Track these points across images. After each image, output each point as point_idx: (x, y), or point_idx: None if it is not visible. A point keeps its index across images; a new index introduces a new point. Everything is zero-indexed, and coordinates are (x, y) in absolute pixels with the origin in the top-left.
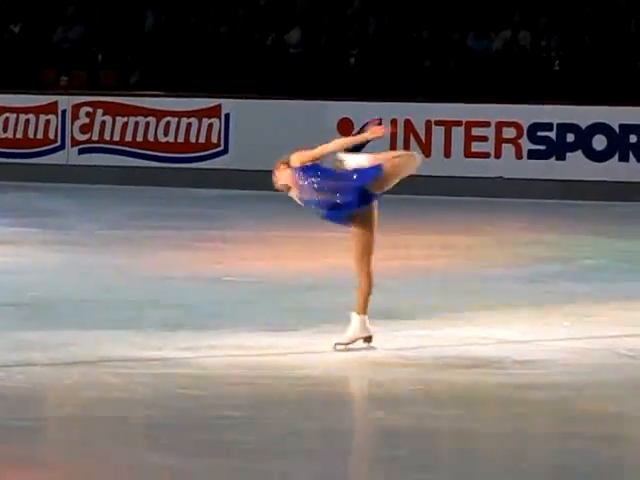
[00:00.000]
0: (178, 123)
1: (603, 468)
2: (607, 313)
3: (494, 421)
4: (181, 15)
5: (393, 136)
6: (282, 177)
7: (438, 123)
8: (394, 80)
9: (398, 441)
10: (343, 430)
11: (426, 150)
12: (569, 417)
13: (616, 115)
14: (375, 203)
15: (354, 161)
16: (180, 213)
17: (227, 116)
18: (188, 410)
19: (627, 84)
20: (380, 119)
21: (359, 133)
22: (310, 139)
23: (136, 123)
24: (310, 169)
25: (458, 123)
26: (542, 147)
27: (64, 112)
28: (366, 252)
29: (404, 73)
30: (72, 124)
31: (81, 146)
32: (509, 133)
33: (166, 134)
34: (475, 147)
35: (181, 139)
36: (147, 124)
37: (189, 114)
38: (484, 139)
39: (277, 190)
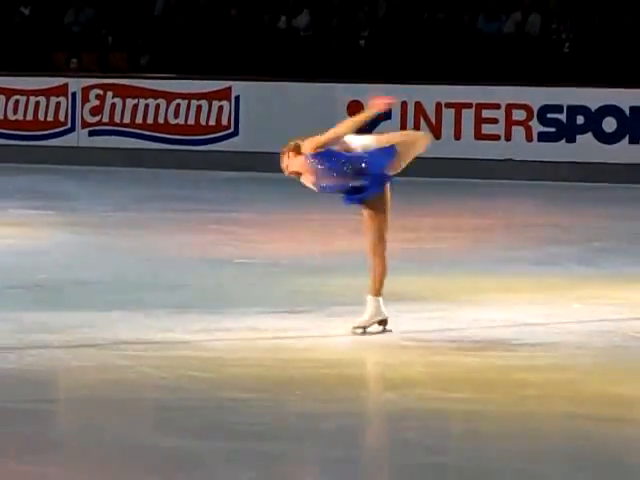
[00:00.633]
0: (188, 105)
1: (613, 449)
2: (618, 295)
3: (504, 403)
4: None
5: (402, 115)
6: (293, 164)
7: (448, 105)
8: (404, 62)
9: (409, 423)
10: (354, 412)
11: (436, 132)
12: (579, 399)
13: (626, 97)
14: (388, 185)
15: (360, 143)
16: (190, 195)
17: (237, 98)
18: (199, 392)
19: (637, 66)
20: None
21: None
22: (320, 121)
23: (146, 105)
24: (324, 154)
25: (468, 105)
26: (552, 129)
27: (74, 94)
28: (381, 235)
29: (414, 55)
30: (82, 106)
31: (91, 128)
32: (519, 115)
33: (176, 116)
34: (485, 129)
35: (191, 121)
36: (157, 106)
37: (199, 96)
38: (494, 121)
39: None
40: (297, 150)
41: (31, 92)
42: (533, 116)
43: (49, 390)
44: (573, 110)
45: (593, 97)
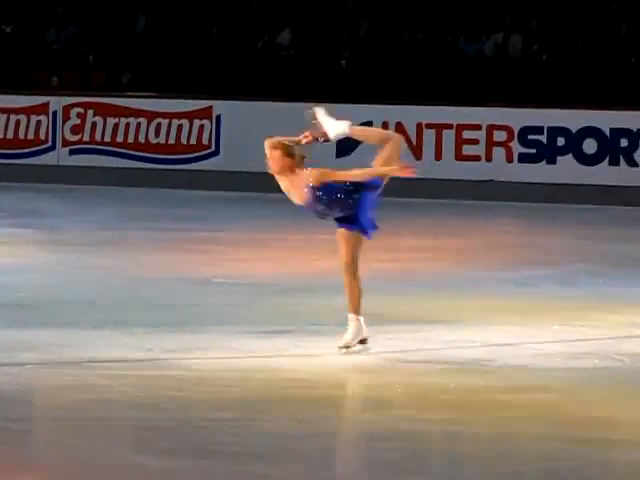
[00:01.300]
0: (169, 124)
1: (592, 472)
2: (596, 317)
3: (484, 424)
4: (172, 16)
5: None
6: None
7: (429, 126)
8: (385, 82)
9: (389, 444)
10: (333, 433)
11: (417, 153)
12: (558, 420)
13: (607, 119)
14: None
15: (332, 127)
16: (171, 214)
17: (218, 118)
18: (177, 412)
19: (618, 88)
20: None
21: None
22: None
23: (127, 124)
24: (324, 189)
25: (449, 126)
26: (533, 150)
27: (55, 113)
28: (356, 254)
29: (395, 75)
30: (63, 125)
31: (72, 147)
32: (500, 136)
33: (157, 135)
34: (466, 150)
35: (172, 140)
36: (138, 125)
37: (180, 115)
38: (475, 142)
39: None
40: (284, 150)
41: (12, 110)
42: (514, 137)
43: (27, 408)
44: (554, 131)
45: (574, 119)
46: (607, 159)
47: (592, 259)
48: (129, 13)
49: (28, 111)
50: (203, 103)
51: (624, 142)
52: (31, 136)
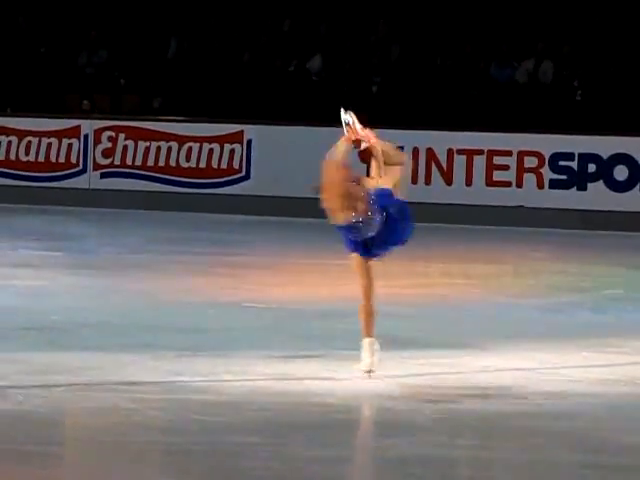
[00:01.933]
0: (200, 148)
1: None
2: (626, 344)
3: (511, 451)
4: (204, 41)
5: (414, 161)
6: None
7: (460, 152)
8: (416, 108)
9: (414, 470)
10: (363, 457)
11: (448, 178)
12: (586, 448)
13: (638, 146)
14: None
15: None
16: (201, 238)
17: (249, 142)
18: (205, 436)
19: None
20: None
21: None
22: None
23: (158, 148)
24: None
25: (480, 152)
26: (563, 177)
27: (86, 136)
28: (373, 277)
29: (426, 101)
30: (94, 148)
31: (103, 170)
32: (531, 162)
33: (188, 159)
34: (497, 176)
35: (203, 164)
36: (169, 149)
37: (211, 140)
38: (506, 168)
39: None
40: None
41: (43, 133)
42: (544, 163)
43: (56, 432)
44: (584, 158)
45: (605, 145)
46: (638, 186)
47: (623, 286)
48: (161, 37)
49: (59, 134)
50: (234, 127)
51: None
52: (62, 159)
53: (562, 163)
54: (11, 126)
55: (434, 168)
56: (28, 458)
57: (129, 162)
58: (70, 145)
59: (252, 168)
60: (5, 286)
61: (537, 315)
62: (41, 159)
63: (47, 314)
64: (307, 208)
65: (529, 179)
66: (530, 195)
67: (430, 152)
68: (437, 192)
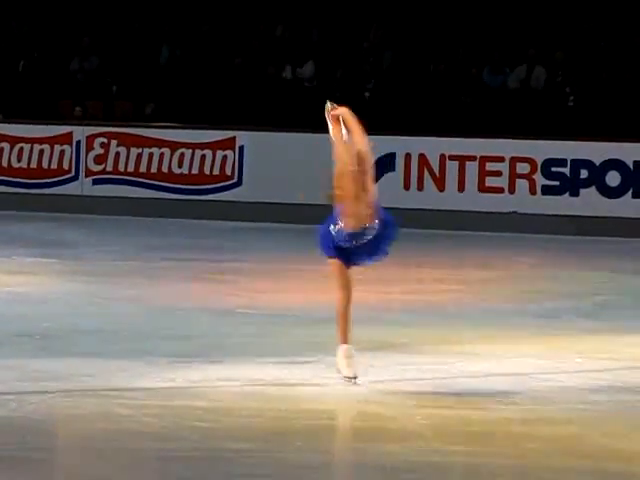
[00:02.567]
0: (192, 155)
1: None
2: (620, 350)
3: (506, 456)
4: (196, 47)
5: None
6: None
7: (452, 158)
8: (409, 114)
9: (409, 476)
10: (355, 464)
11: (440, 185)
12: (580, 453)
13: (630, 151)
14: None
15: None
16: (193, 245)
17: (241, 148)
18: (199, 442)
19: None
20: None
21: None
22: (323, 173)
23: (150, 154)
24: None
25: (472, 158)
26: (556, 183)
27: (79, 143)
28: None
29: (419, 107)
30: (86, 155)
31: (95, 177)
32: (523, 168)
33: (180, 166)
34: (489, 182)
35: (195, 171)
36: (161, 155)
37: (203, 146)
38: (498, 174)
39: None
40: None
41: (35, 140)
42: (537, 169)
43: (49, 438)
44: (577, 164)
45: (597, 151)
46: (630, 192)
47: (615, 291)
48: (153, 44)
49: (52, 141)
50: (226, 134)
51: None
52: (54, 166)
53: (554, 169)
54: (3, 132)
55: (426, 174)
56: (22, 465)
57: (121, 168)
58: (62, 152)
59: (244, 174)
60: None
61: (530, 320)
62: (33, 165)
63: (40, 321)
64: (300, 214)
65: (521, 185)
66: (523, 201)
67: (422, 158)
68: (429, 198)
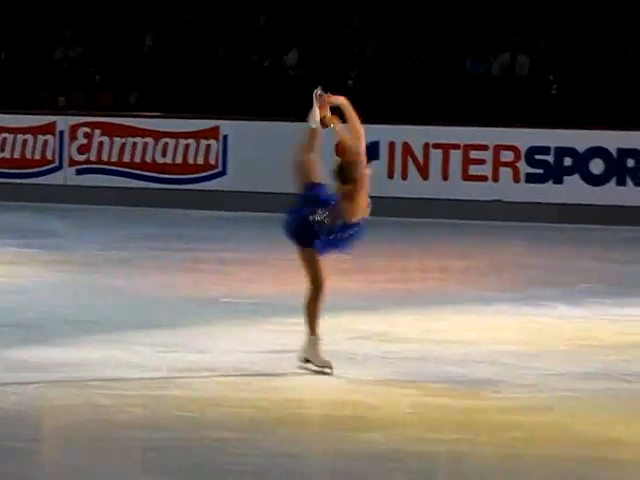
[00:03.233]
0: (176, 144)
1: None
2: (603, 337)
3: (491, 444)
4: (179, 36)
5: (390, 155)
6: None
7: (436, 146)
8: (392, 102)
9: (395, 464)
10: (340, 452)
11: (424, 173)
12: (565, 441)
13: (614, 139)
14: None
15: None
16: (178, 234)
17: (225, 137)
18: (184, 432)
19: (625, 108)
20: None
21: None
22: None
23: (134, 144)
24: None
25: (456, 146)
26: (540, 171)
27: (62, 132)
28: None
29: (402, 95)
30: (70, 144)
31: (79, 167)
32: (507, 156)
33: (164, 155)
34: (473, 170)
35: (179, 160)
36: (145, 145)
37: (187, 135)
38: (482, 162)
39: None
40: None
41: (19, 130)
42: (521, 157)
43: (32, 428)
44: (561, 152)
45: (581, 139)
46: (614, 179)
47: (599, 279)
48: (136, 33)
49: (35, 131)
50: (210, 123)
51: (631, 162)
52: (38, 156)
53: (538, 157)
54: None
55: (410, 163)
56: (4, 455)
57: (105, 158)
58: (46, 141)
59: (228, 164)
60: None
61: (514, 309)
62: (17, 156)
63: (24, 311)
64: (284, 203)
65: (505, 173)
66: (507, 189)
67: (406, 147)
68: (413, 187)
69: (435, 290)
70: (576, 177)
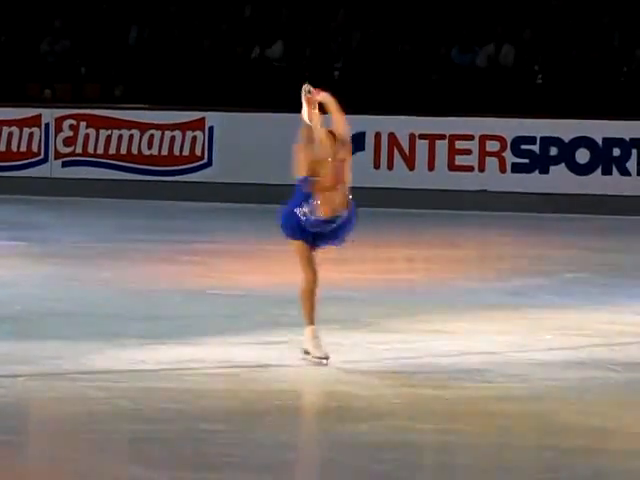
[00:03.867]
0: (162, 136)
1: None
2: (590, 326)
3: (478, 434)
4: (165, 28)
5: (376, 146)
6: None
7: (422, 136)
8: (378, 93)
9: (381, 455)
10: (326, 443)
11: (410, 163)
12: (552, 430)
13: (599, 129)
14: None
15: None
16: (164, 226)
17: (211, 129)
18: (172, 424)
19: (610, 98)
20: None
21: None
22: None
23: (120, 136)
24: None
25: (442, 137)
26: (525, 160)
27: (47, 125)
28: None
29: (388, 86)
30: (55, 137)
31: (64, 159)
32: (493, 146)
33: (150, 147)
34: (459, 160)
35: (165, 152)
36: (131, 137)
37: (173, 127)
38: (468, 152)
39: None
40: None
41: (4, 122)
42: (506, 147)
43: (20, 421)
44: (546, 141)
45: (566, 128)
46: (600, 169)
47: (585, 268)
48: (121, 25)
49: (20, 123)
50: (196, 114)
51: (616, 152)
52: (23, 148)
53: (524, 147)
54: None
55: (396, 153)
56: None
57: (91, 150)
58: (31, 134)
59: (214, 155)
60: None
61: (500, 299)
62: (2, 148)
63: (11, 304)
64: (270, 195)
65: (491, 163)
66: (492, 179)
67: (392, 137)
68: (399, 177)
69: (421, 280)
70: (562, 167)
